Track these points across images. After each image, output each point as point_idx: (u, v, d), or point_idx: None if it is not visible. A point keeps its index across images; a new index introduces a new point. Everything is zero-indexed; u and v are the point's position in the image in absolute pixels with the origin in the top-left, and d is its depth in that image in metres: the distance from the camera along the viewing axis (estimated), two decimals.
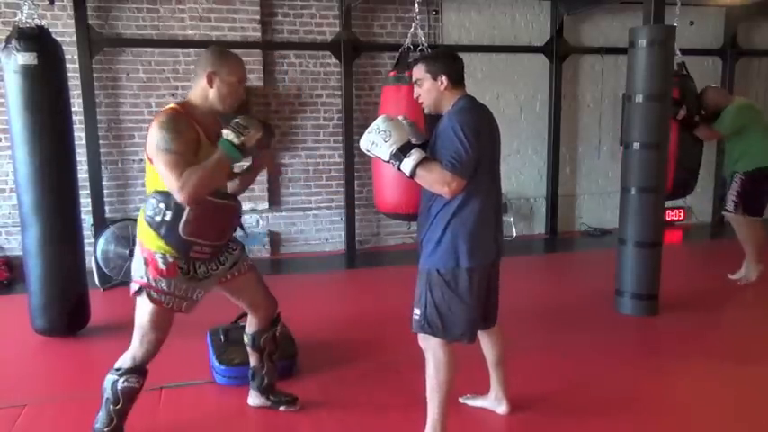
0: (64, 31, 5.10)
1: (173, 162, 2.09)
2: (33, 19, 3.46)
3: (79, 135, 4.64)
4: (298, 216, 5.96)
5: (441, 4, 6.09)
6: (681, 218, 7.00)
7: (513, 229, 6.39)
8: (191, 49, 5.44)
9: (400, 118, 2.38)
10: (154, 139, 2.13)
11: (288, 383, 3.02)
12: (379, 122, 2.28)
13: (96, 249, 4.81)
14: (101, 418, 2.37)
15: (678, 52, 4.51)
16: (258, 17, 5.55)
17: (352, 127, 5.73)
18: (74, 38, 5.10)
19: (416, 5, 4.49)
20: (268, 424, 2.72)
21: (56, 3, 4.97)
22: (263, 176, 5.68)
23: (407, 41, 4.49)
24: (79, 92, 5.09)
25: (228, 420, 2.75)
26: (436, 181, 2.21)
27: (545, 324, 3.99)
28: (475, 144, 2.21)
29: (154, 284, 2.26)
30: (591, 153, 6.74)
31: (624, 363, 3.33)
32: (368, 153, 2.31)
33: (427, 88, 2.36)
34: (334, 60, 5.83)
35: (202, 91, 2.28)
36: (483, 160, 2.28)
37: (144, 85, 5.42)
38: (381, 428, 2.66)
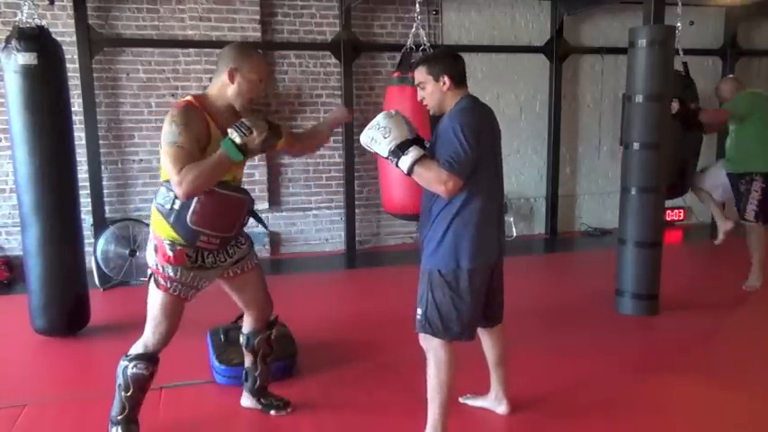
0: (64, 31, 5.10)
1: (175, 155, 2.13)
2: (33, 19, 3.46)
3: (79, 135, 4.64)
4: (298, 216, 5.96)
5: (441, 4, 6.09)
6: (681, 218, 7.00)
7: (513, 229, 6.39)
8: (191, 49, 5.44)
9: (392, 112, 2.35)
10: (164, 130, 2.18)
11: (288, 383, 3.02)
12: (379, 119, 2.28)
13: (96, 249, 4.81)
14: (114, 405, 2.38)
15: (681, 52, 4.51)
16: (258, 17, 5.55)
17: (352, 127, 5.72)
18: (74, 38, 5.10)
19: (417, 5, 4.49)
20: (268, 424, 2.71)
21: (56, 3, 4.97)
22: (263, 176, 5.69)
23: (409, 42, 4.49)
24: (79, 92, 5.09)
25: (228, 420, 2.75)
26: (433, 180, 2.21)
27: (545, 324, 3.99)
28: (474, 145, 2.21)
29: (161, 271, 2.29)
30: (591, 153, 6.74)
31: (624, 363, 3.33)
32: (368, 148, 2.32)
33: (430, 90, 2.36)
34: (334, 60, 5.83)
35: (222, 86, 2.29)
36: (484, 160, 2.28)
37: (144, 85, 5.42)
38: (381, 428, 2.66)
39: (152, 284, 2.33)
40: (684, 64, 4.71)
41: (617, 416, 2.75)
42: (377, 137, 2.26)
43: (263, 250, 5.66)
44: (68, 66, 3.76)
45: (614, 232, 5.05)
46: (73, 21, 5.11)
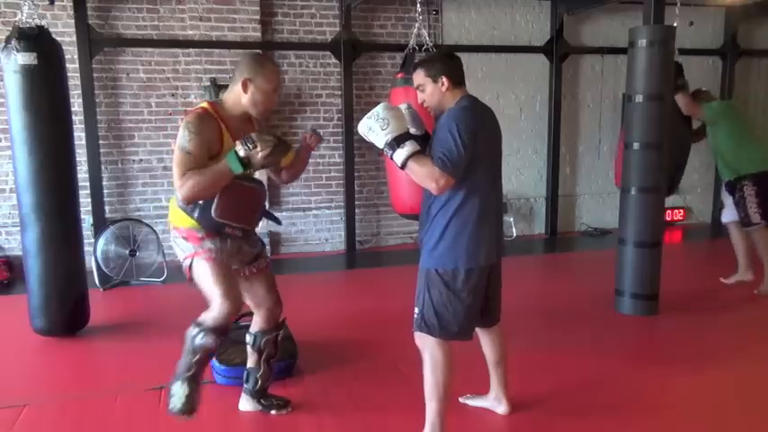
0: (64, 31, 5.10)
1: (181, 160, 2.23)
2: (33, 19, 3.46)
3: (79, 135, 4.65)
4: (298, 216, 5.96)
5: (441, 4, 6.09)
6: (681, 218, 7.00)
7: (513, 229, 6.40)
8: (191, 49, 5.44)
9: (403, 106, 2.39)
10: (178, 134, 2.27)
11: (288, 383, 3.02)
12: (379, 109, 2.28)
13: (96, 249, 4.81)
14: (182, 363, 2.37)
15: (676, 52, 4.51)
16: (258, 17, 5.55)
17: (352, 127, 5.72)
18: (74, 38, 5.11)
19: (418, 5, 4.49)
20: (268, 424, 2.71)
21: (56, 3, 4.97)
22: (262, 176, 5.67)
23: (411, 42, 4.49)
24: (79, 92, 5.09)
25: (229, 420, 2.75)
26: (425, 175, 2.22)
27: (545, 324, 3.99)
28: (469, 144, 2.21)
29: (201, 249, 2.35)
30: (591, 153, 6.74)
31: (624, 363, 3.33)
32: (364, 137, 2.32)
33: (430, 92, 2.37)
34: (334, 60, 5.83)
35: (237, 95, 2.37)
36: (482, 160, 2.28)
37: (144, 85, 5.42)
38: (381, 428, 2.66)
39: (196, 269, 2.35)
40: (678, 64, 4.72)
41: (617, 415, 2.75)
42: (374, 127, 2.26)
43: None
44: (68, 66, 3.76)
45: (614, 232, 5.05)
46: (73, 21, 5.12)
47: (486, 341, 2.66)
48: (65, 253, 3.59)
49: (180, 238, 2.39)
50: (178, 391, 2.32)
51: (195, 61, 5.45)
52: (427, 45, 4.44)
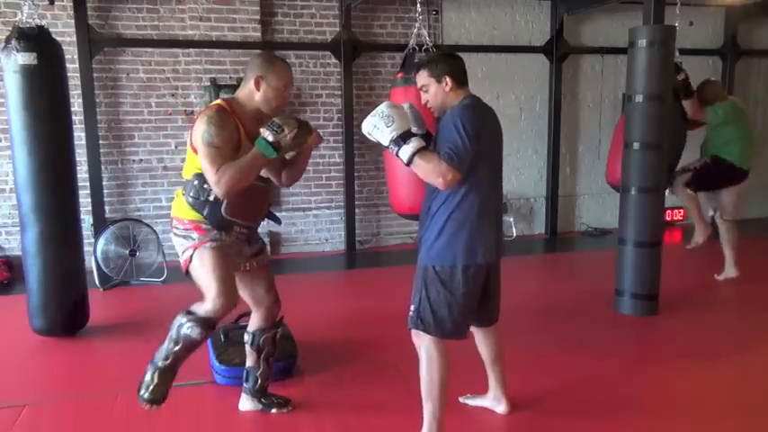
0: (64, 31, 5.10)
1: (213, 156, 2.23)
2: (33, 19, 3.46)
3: (79, 135, 4.65)
4: (298, 216, 5.96)
5: (441, 4, 6.09)
6: (681, 218, 6.99)
7: (513, 229, 6.39)
8: (191, 49, 5.44)
9: (405, 106, 2.40)
10: (199, 130, 2.26)
11: (288, 383, 3.02)
12: (383, 107, 2.29)
13: (96, 249, 4.81)
14: (161, 350, 2.36)
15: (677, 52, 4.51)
16: (258, 17, 5.55)
17: (352, 127, 5.73)
18: (74, 38, 5.10)
19: (418, 5, 4.49)
20: (267, 424, 2.71)
21: (56, 3, 4.96)
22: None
23: (412, 42, 4.49)
24: (79, 92, 5.09)
25: (228, 420, 2.75)
26: (432, 171, 2.22)
27: (545, 323, 3.98)
28: (474, 140, 2.22)
29: (205, 239, 2.36)
30: (591, 153, 6.74)
31: (624, 362, 3.33)
32: (369, 136, 2.33)
33: (433, 92, 2.39)
34: (334, 60, 5.83)
35: (249, 93, 2.41)
36: (484, 159, 2.29)
37: (144, 85, 5.42)
38: (381, 427, 2.67)
39: (197, 258, 2.34)
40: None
41: (617, 415, 2.75)
42: (379, 125, 2.27)
43: None
44: (68, 66, 3.76)
45: (614, 232, 5.05)
46: (73, 21, 5.12)
47: (480, 340, 2.66)
48: (64, 253, 3.59)
49: (183, 230, 2.39)
50: (147, 380, 2.32)
51: (195, 61, 5.45)
52: (427, 45, 4.44)
